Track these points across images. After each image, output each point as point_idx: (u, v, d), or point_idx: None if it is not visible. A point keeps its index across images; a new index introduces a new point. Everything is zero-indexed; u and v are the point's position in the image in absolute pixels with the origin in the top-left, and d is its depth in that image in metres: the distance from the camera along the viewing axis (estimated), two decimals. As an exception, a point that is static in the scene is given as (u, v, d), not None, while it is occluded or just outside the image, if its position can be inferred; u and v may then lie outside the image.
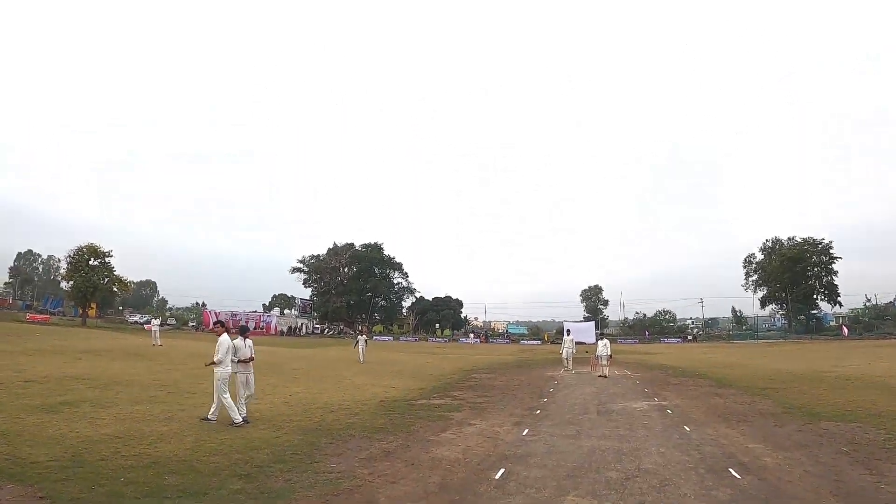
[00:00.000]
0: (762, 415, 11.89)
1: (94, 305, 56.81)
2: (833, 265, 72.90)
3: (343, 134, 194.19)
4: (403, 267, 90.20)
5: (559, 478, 7.08)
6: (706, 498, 6.19)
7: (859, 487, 6.59)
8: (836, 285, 72.67)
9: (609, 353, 20.99)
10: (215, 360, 9.92)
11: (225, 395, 9.83)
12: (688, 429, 10.22)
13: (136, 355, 23.03)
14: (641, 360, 31.12)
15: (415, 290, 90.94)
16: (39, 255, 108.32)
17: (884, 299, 72.42)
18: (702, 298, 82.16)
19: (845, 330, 64.10)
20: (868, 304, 72.91)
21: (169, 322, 73.33)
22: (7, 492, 5.63)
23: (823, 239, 73.63)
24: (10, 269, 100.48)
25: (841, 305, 74.20)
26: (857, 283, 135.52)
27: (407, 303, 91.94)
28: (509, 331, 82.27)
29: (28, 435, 7.85)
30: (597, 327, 70.68)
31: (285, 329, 71.67)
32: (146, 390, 13.38)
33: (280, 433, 9.57)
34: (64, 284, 61.08)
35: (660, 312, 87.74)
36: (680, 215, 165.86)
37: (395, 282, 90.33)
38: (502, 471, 7.41)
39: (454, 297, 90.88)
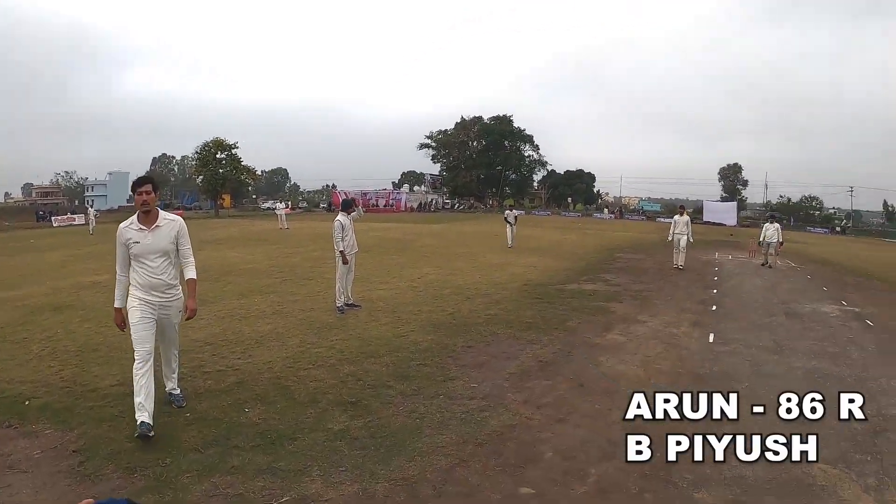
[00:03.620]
0: None
1: (226, 196, 59.97)
2: None
3: None
4: (534, 139, 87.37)
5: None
6: None
7: None
8: None
9: (780, 240, 18.30)
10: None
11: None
12: (908, 352, 7.78)
13: (260, 240, 23.04)
14: (796, 249, 26.27)
15: (546, 162, 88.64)
16: (174, 157, 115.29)
17: None
18: (851, 187, 72.53)
19: None
20: None
21: (300, 206, 77.28)
22: (42, 441, 4.31)
23: None
24: (146, 173, 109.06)
25: None
26: None
27: (538, 176, 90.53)
28: (643, 207, 78.77)
29: (106, 348, 6.74)
30: (739, 209, 66.79)
31: (416, 205, 72.39)
32: (258, 278, 12.50)
33: (405, 329, 7.96)
34: (197, 180, 65.05)
35: (805, 198, 79.68)
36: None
37: (526, 154, 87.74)
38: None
39: (586, 170, 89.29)
